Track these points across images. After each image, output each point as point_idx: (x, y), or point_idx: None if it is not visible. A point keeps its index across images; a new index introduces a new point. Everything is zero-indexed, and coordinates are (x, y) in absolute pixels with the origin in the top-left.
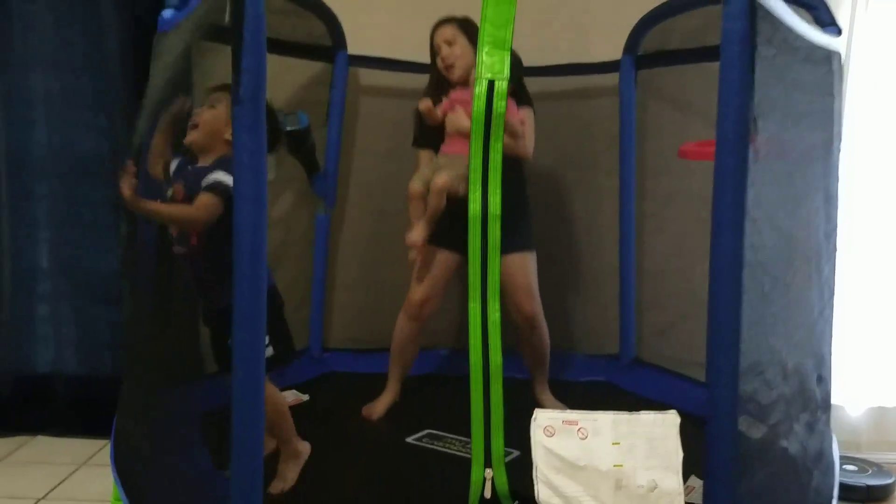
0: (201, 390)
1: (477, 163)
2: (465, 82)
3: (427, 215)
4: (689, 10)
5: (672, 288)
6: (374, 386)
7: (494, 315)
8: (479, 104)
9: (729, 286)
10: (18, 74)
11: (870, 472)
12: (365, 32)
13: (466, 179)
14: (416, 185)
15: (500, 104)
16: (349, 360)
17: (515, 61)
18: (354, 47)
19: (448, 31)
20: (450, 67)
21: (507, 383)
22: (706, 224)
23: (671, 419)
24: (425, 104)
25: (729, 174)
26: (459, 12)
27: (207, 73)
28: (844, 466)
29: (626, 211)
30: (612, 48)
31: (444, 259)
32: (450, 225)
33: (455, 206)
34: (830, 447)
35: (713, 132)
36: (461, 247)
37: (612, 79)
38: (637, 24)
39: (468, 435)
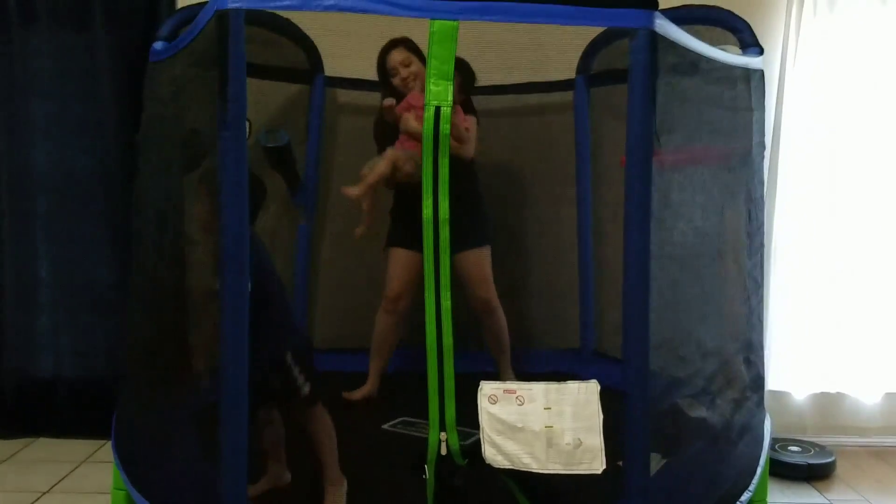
0: (194, 389)
1: (428, 175)
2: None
3: (371, 175)
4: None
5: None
6: (356, 383)
7: (446, 303)
8: (428, 126)
9: (638, 275)
10: (20, 101)
11: (812, 452)
12: (340, 56)
13: (416, 165)
14: (365, 169)
15: (445, 126)
16: (333, 359)
17: (470, 75)
18: (331, 70)
19: (401, 55)
20: (411, 84)
21: (467, 378)
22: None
23: (592, 387)
24: (388, 101)
25: (635, 182)
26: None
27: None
28: (789, 447)
29: (584, 216)
30: (566, 68)
31: (410, 258)
32: (413, 229)
33: (412, 211)
34: (761, 424)
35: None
36: (420, 246)
37: (568, 96)
38: (588, 47)
39: None
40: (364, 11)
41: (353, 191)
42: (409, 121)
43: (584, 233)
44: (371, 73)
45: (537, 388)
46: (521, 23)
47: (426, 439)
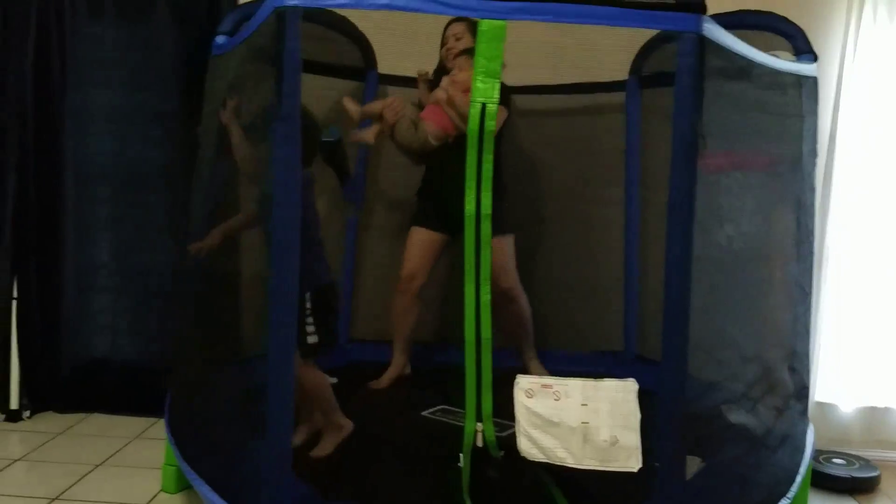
0: (241, 370)
1: (472, 171)
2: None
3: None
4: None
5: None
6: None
7: (485, 297)
8: (474, 122)
9: (678, 276)
10: (84, 91)
11: (856, 465)
12: (393, 54)
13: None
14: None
15: (489, 123)
16: (371, 350)
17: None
18: (383, 67)
19: (458, 28)
20: (451, 56)
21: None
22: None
23: (630, 386)
24: (422, 71)
25: (679, 184)
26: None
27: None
28: (833, 460)
29: (631, 220)
30: (619, 69)
31: (428, 238)
32: (433, 209)
33: (438, 193)
34: (803, 434)
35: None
36: (442, 228)
37: (618, 97)
38: (641, 48)
39: None
40: (416, 10)
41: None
42: (438, 92)
43: (630, 235)
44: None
45: (573, 385)
46: (567, 23)
47: (461, 428)
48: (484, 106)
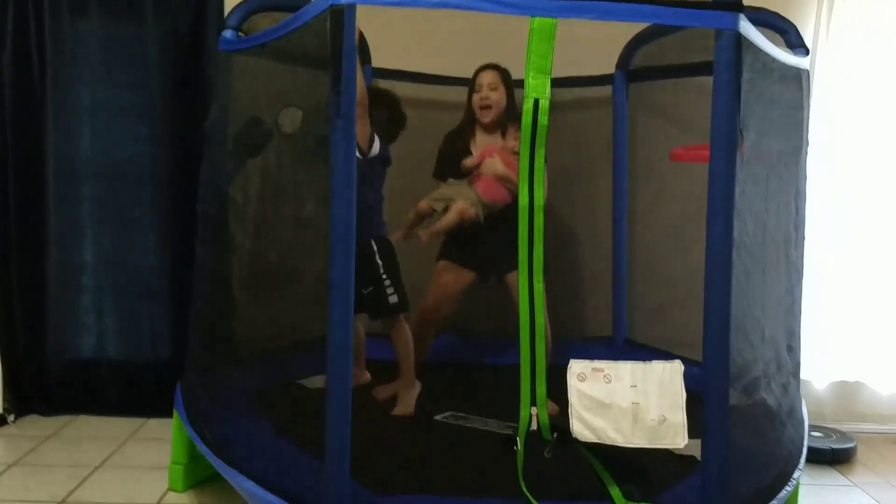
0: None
1: (524, 164)
2: (494, 128)
3: (439, 225)
4: (673, 32)
5: (660, 277)
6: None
7: (538, 286)
8: (527, 118)
9: (721, 264)
10: (69, 88)
11: (833, 437)
12: (386, 47)
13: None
14: (424, 203)
15: (542, 118)
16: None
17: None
18: (377, 61)
19: (493, 77)
20: (486, 108)
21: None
22: (690, 220)
23: (677, 367)
24: (470, 161)
25: (720, 175)
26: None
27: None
28: (811, 433)
29: (619, 210)
30: (605, 63)
31: (460, 276)
32: (470, 247)
33: (474, 231)
34: (801, 407)
35: (696, 138)
36: (476, 266)
37: (605, 91)
38: (628, 43)
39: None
40: (469, 9)
41: (423, 235)
42: (497, 164)
43: (619, 224)
44: (417, 65)
45: (624, 368)
46: (614, 21)
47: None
48: (537, 102)
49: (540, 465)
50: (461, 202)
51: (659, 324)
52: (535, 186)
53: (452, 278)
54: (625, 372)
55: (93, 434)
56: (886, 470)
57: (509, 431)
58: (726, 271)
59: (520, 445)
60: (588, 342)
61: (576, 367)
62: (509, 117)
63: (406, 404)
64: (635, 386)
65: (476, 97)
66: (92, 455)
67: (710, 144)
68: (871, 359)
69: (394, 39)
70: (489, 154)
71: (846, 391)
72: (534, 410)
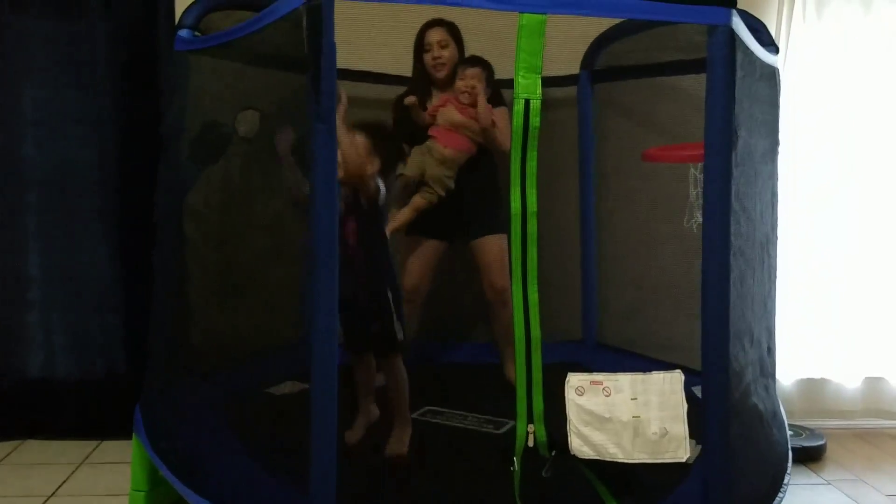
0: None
1: (516, 168)
2: (449, 83)
3: (396, 222)
4: (639, 32)
5: (629, 278)
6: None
7: (533, 296)
8: (518, 120)
9: (718, 267)
10: (10, 90)
11: (804, 435)
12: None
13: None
14: (419, 200)
15: (534, 119)
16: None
17: (490, 71)
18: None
19: (441, 34)
20: (439, 67)
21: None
22: (658, 220)
23: (677, 377)
24: (410, 98)
25: (718, 175)
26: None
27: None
28: None
29: (587, 211)
30: (570, 63)
31: (429, 246)
32: (432, 216)
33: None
34: (780, 408)
35: (663, 139)
36: (442, 234)
37: (570, 91)
38: (593, 43)
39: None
40: (456, 4)
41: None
42: (453, 113)
43: (587, 225)
44: (378, 66)
45: (623, 379)
46: (604, 17)
47: (458, 428)
48: (528, 102)
49: (537, 482)
50: (416, 196)
51: (630, 325)
52: (528, 191)
53: (424, 252)
54: (625, 384)
55: (43, 460)
56: (857, 466)
57: (490, 428)
58: (724, 274)
59: (517, 465)
60: (559, 344)
61: (574, 381)
62: (469, 61)
63: (402, 443)
64: (636, 398)
65: (427, 57)
66: (43, 483)
67: (705, 144)
68: (835, 354)
69: (366, 38)
70: (443, 105)
71: (812, 388)
72: (531, 427)
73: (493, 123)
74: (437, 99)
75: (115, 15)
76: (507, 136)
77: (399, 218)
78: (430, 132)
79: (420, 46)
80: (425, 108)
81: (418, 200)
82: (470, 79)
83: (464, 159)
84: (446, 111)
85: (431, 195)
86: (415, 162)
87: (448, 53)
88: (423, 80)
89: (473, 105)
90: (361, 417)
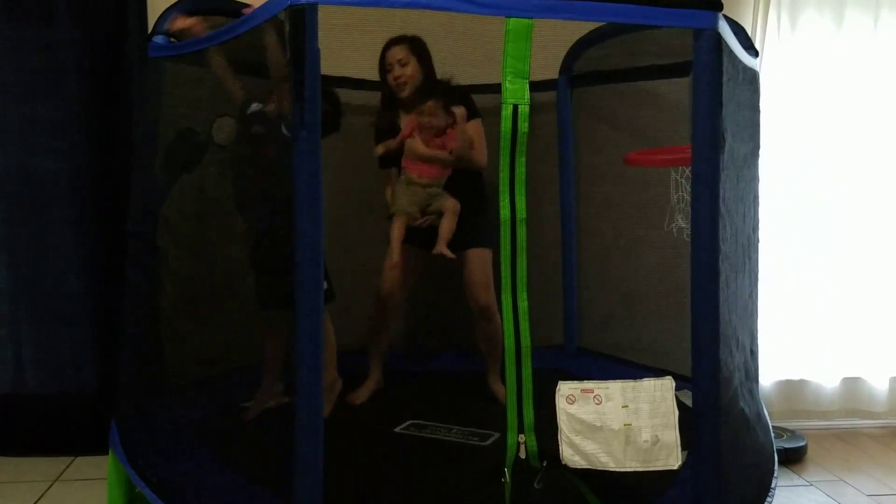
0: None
1: (505, 174)
2: (413, 103)
3: (392, 255)
4: (616, 37)
5: (610, 283)
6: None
7: (523, 304)
8: (506, 125)
9: (707, 271)
10: None
11: (784, 437)
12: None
13: (422, 207)
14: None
15: (522, 125)
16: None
17: (450, 95)
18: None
19: (401, 52)
20: (401, 86)
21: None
22: (638, 224)
23: (668, 384)
24: (378, 149)
25: (706, 180)
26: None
27: None
28: None
29: (567, 215)
30: (548, 68)
31: (408, 253)
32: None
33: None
34: (764, 411)
35: (642, 143)
36: (417, 242)
37: (549, 96)
38: (571, 48)
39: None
40: (440, 9)
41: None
42: (417, 145)
43: (567, 230)
44: (359, 72)
45: (614, 387)
46: (591, 21)
47: (445, 441)
48: (516, 108)
49: (529, 493)
50: (394, 226)
51: (611, 330)
52: (517, 198)
53: (403, 258)
54: (615, 392)
55: (13, 478)
56: (837, 467)
57: (475, 440)
58: (713, 282)
59: (507, 477)
60: (541, 350)
61: (564, 390)
62: (426, 89)
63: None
64: (627, 406)
65: (389, 77)
66: (16, 502)
67: (692, 149)
68: (814, 355)
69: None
70: (409, 134)
71: (791, 389)
72: (521, 438)
73: (472, 146)
74: (403, 121)
75: (85, 23)
76: (482, 153)
77: (394, 247)
78: (402, 163)
79: (383, 66)
80: (395, 130)
81: (398, 232)
82: (427, 115)
83: (443, 181)
84: (412, 144)
85: (408, 215)
86: (400, 197)
87: (409, 71)
88: (390, 100)
89: (439, 135)
90: (261, 392)
